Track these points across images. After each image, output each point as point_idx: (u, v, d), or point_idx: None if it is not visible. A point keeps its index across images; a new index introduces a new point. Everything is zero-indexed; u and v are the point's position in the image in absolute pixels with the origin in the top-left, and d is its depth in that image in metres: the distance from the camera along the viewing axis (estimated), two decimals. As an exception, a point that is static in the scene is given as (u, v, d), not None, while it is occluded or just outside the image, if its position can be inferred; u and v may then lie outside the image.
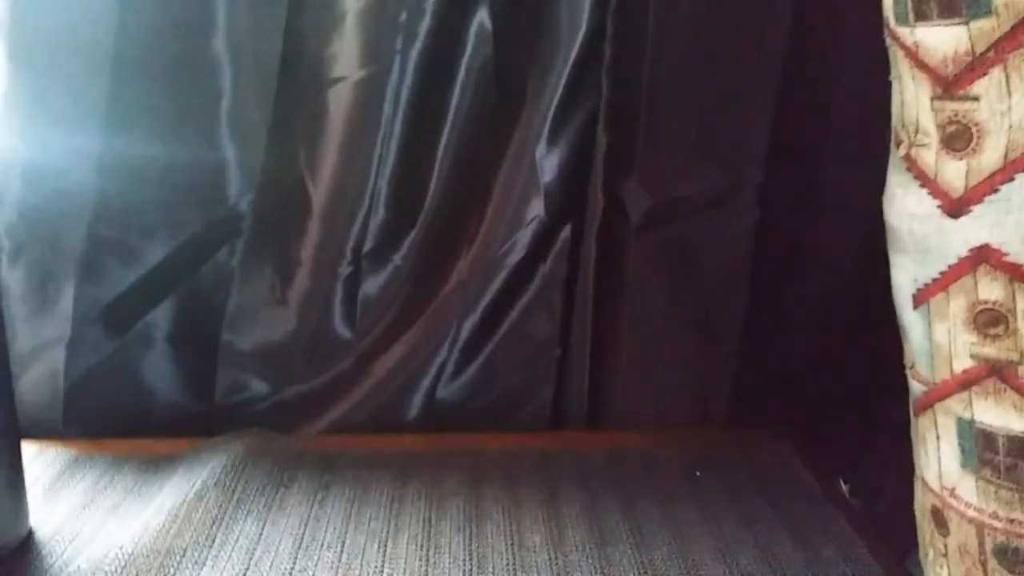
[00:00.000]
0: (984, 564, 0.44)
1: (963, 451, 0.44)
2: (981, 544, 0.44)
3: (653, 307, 0.72)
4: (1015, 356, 0.40)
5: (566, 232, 0.70)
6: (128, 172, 0.66)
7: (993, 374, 0.41)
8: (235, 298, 0.72)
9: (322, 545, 0.56)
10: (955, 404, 0.44)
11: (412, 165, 0.68)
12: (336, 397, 0.74)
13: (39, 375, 0.68)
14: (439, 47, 0.66)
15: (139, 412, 0.72)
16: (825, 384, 0.73)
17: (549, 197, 0.69)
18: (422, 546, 0.56)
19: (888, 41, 0.45)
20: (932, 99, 0.41)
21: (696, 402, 0.75)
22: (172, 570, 0.52)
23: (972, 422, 0.43)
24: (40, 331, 0.68)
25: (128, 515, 0.58)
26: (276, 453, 0.66)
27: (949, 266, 0.42)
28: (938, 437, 0.46)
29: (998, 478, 0.42)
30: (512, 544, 0.56)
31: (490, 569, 0.53)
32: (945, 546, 0.47)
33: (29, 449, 0.56)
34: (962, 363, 0.43)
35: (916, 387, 0.47)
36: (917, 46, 0.41)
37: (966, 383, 0.43)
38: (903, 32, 0.42)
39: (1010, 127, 0.38)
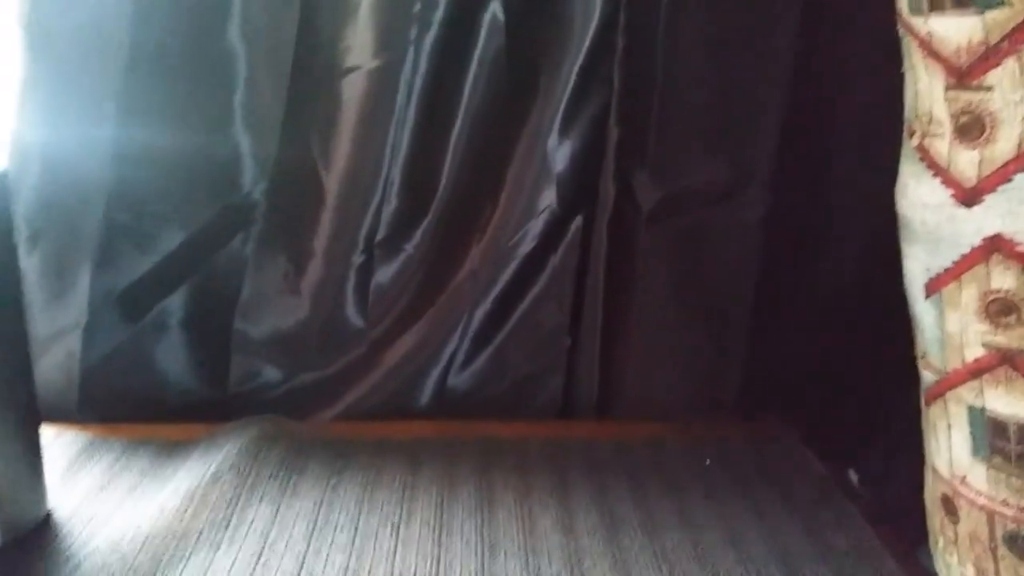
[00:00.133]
0: (994, 551, 0.45)
1: (974, 439, 0.44)
2: (991, 531, 0.45)
3: (663, 297, 0.73)
4: (1027, 345, 0.41)
5: (577, 222, 0.71)
6: (143, 160, 0.66)
7: (1005, 362, 0.42)
8: (248, 286, 0.73)
9: (336, 528, 0.56)
10: (966, 393, 0.44)
11: (425, 155, 0.69)
12: (348, 385, 0.75)
13: (55, 360, 0.69)
14: (452, 37, 0.66)
15: (153, 398, 0.73)
16: (834, 374, 0.73)
17: (561, 187, 0.69)
18: (434, 530, 0.56)
19: (901, 31, 0.45)
20: (946, 89, 0.41)
21: (705, 392, 0.75)
22: (188, 551, 0.53)
23: (983, 410, 0.43)
24: (57, 317, 0.69)
25: (144, 497, 0.59)
26: (290, 439, 0.67)
27: (962, 255, 0.42)
28: (949, 426, 0.46)
29: (1009, 465, 0.43)
30: (524, 529, 0.57)
31: (502, 553, 0.54)
32: (955, 534, 0.48)
33: (46, 433, 0.57)
34: (974, 352, 0.43)
35: (927, 376, 0.48)
36: (931, 36, 0.41)
37: (978, 372, 0.43)
38: (917, 22, 0.42)
39: (1024, 117, 0.38)
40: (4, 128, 0.65)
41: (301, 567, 0.52)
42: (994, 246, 0.40)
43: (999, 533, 0.44)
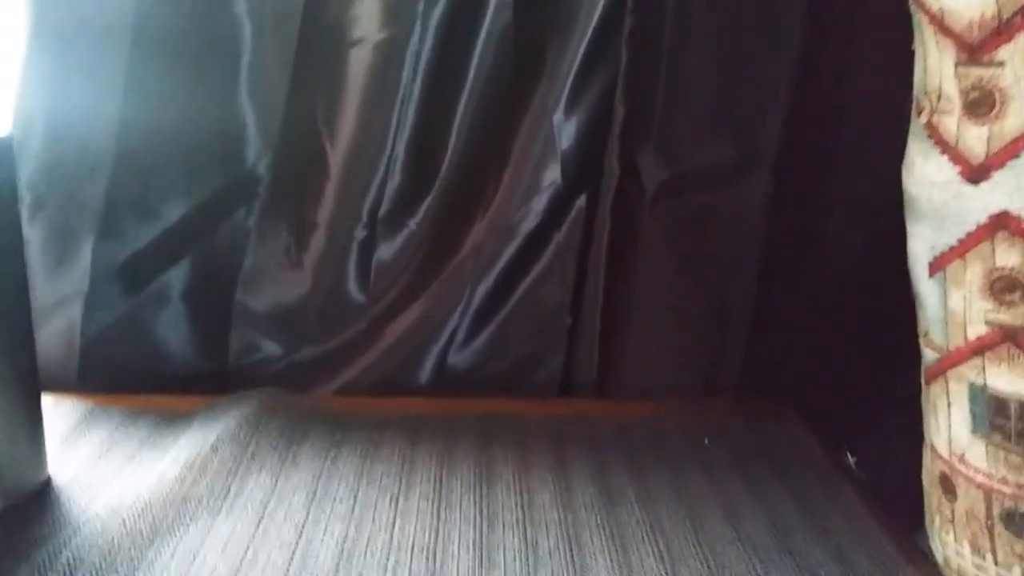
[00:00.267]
0: (991, 529, 0.45)
1: (974, 417, 0.45)
2: (988, 509, 0.45)
3: (665, 278, 0.73)
4: (1030, 322, 0.41)
5: (581, 201, 0.70)
6: (148, 131, 0.66)
7: (1007, 340, 0.42)
8: (250, 259, 0.72)
9: (335, 499, 0.56)
10: (968, 370, 0.44)
11: (430, 129, 0.68)
12: (348, 360, 0.75)
13: (56, 330, 0.69)
14: (460, 11, 0.66)
15: (153, 370, 0.73)
16: (834, 357, 0.73)
17: (566, 164, 0.69)
18: (433, 502, 0.56)
19: (912, 8, 0.45)
20: (956, 65, 0.41)
21: (705, 373, 0.75)
22: (188, 518, 0.53)
23: (984, 388, 0.43)
24: (58, 286, 0.68)
25: (144, 465, 0.59)
26: (289, 411, 0.67)
27: (967, 233, 0.42)
28: (949, 404, 0.46)
29: (1008, 443, 0.43)
30: (522, 503, 0.57)
31: (500, 525, 0.54)
32: (952, 512, 0.48)
33: (45, 401, 0.57)
34: (976, 329, 0.43)
35: (929, 355, 0.48)
36: (942, 12, 0.41)
37: (980, 349, 0.43)
38: (929, -2, 0.42)
39: (1034, 92, 0.38)
40: (8, 93, 0.65)
41: (300, 535, 0.52)
42: (1000, 223, 0.40)
43: (996, 511, 0.45)
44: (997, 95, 0.39)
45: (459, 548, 0.52)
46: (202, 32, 0.66)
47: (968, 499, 0.46)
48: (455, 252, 0.73)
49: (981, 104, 0.40)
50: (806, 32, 0.67)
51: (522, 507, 0.56)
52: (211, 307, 0.73)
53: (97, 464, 0.60)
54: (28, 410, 0.55)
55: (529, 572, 0.50)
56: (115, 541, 0.50)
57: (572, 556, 0.51)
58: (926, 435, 0.51)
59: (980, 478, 0.45)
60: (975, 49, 0.40)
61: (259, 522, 0.53)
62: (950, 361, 0.45)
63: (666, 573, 0.50)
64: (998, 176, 0.40)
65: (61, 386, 0.69)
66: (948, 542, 0.49)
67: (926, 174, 0.44)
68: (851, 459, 0.68)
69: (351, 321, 0.74)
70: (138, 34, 0.64)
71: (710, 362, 0.75)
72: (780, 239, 0.71)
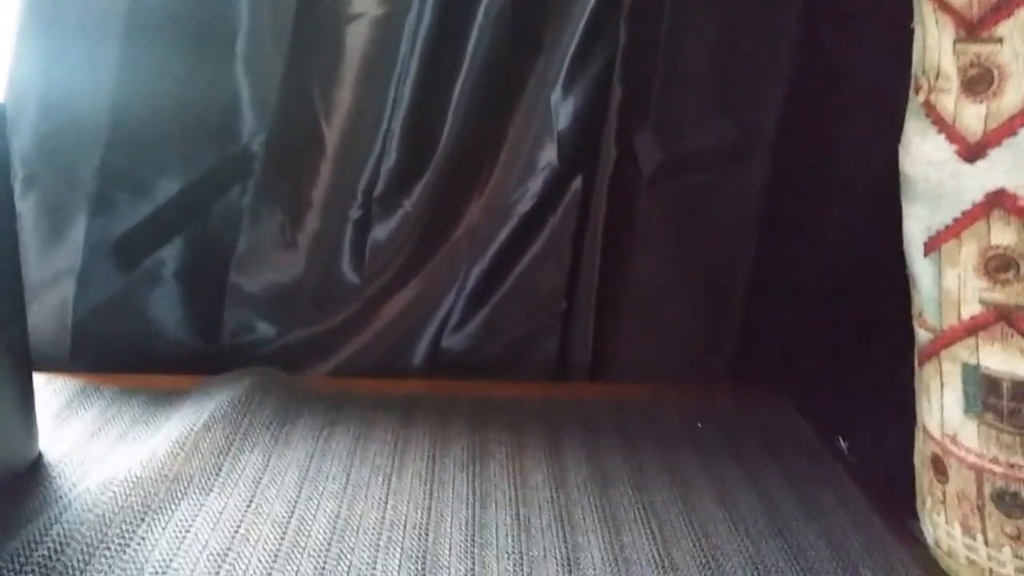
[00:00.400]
0: (981, 509, 0.45)
1: (967, 397, 0.45)
2: (980, 489, 0.45)
3: (660, 261, 0.73)
4: (1024, 301, 0.41)
5: (577, 182, 0.70)
6: (143, 106, 0.66)
7: (1001, 319, 0.42)
8: (245, 239, 0.72)
9: (327, 478, 0.56)
10: (961, 350, 0.44)
11: (426, 107, 0.68)
12: (342, 341, 0.75)
13: (49, 306, 0.69)
14: (458, -12, 0.66)
15: (146, 349, 0.73)
16: (828, 343, 0.73)
17: (562, 145, 0.69)
18: (426, 482, 0.56)
19: (912, -14, 0.44)
20: (955, 42, 0.41)
21: (699, 357, 0.75)
22: (180, 495, 0.53)
23: (977, 367, 0.43)
24: (51, 262, 0.68)
25: (136, 442, 0.59)
26: (282, 391, 0.67)
27: (963, 212, 0.42)
28: (942, 384, 0.46)
29: (1000, 422, 0.43)
30: (515, 483, 0.57)
31: (493, 504, 0.54)
32: (943, 493, 0.48)
33: (37, 379, 0.56)
34: (970, 309, 0.43)
35: (923, 335, 0.48)
36: (942, -11, 0.41)
37: (973, 329, 0.43)
38: (929, -26, 0.42)
39: (1032, 69, 0.38)
40: (2, 66, 0.64)
41: (292, 513, 0.52)
42: (996, 201, 0.40)
43: (987, 491, 0.45)
44: (995, 72, 0.39)
45: (451, 526, 0.52)
46: (198, 6, 0.66)
47: (959, 480, 0.46)
48: (450, 233, 0.73)
49: (979, 81, 0.40)
50: (805, 14, 0.66)
51: (515, 487, 0.56)
52: (205, 286, 0.73)
53: (89, 442, 0.59)
54: (19, 387, 0.55)
55: (521, 550, 0.50)
56: (106, 517, 0.50)
57: (564, 535, 0.51)
58: (918, 417, 0.51)
59: (972, 458, 0.45)
60: (974, 25, 0.39)
61: (251, 500, 0.53)
62: (944, 341, 0.45)
63: (658, 553, 0.50)
64: (995, 154, 0.40)
65: (53, 364, 0.68)
66: (939, 523, 0.49)
67: (923, 153, 0.44)
68: (843, 443, 0.68)
69: (345, 302, 0.74)
70: (134, 8, 0.64)
71: (705, 346, 0.75)
72: (776, 223, 0.71)
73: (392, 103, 0.68)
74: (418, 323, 0.75)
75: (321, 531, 0.51)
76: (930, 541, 0.51)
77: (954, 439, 0.46)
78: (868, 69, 0.67)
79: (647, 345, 0.74)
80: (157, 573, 0.46)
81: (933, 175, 0.44)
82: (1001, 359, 0.42)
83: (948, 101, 0.42)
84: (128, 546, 0.48)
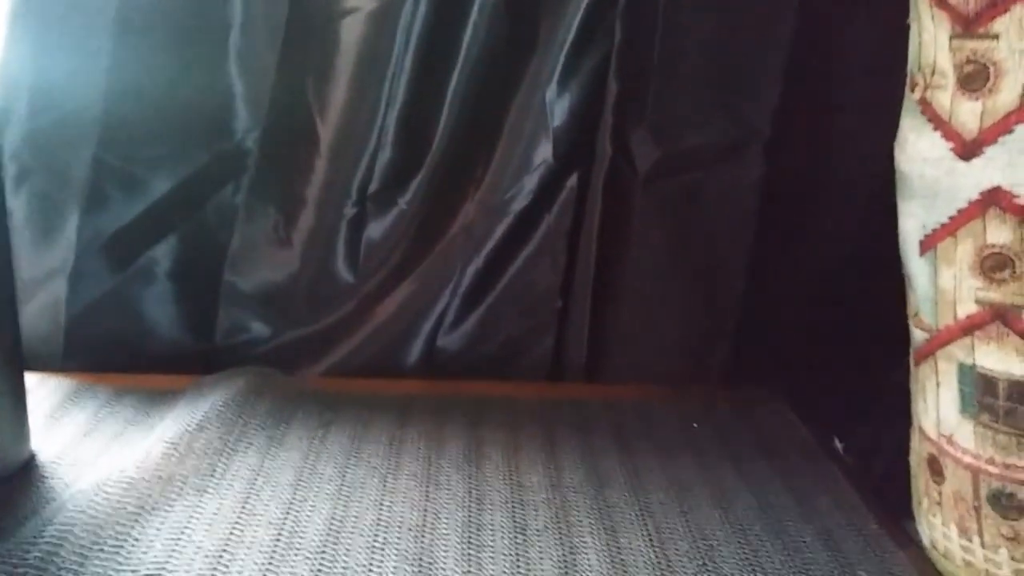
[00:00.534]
0: (977, 510, 0.45)
1: (963, 396, 0.44)
2: (976, 490, 0.45)
3: (656, 260, 0.72)
4: (1020, 300, 0.41)
5: (572, 180, 0.70)
6: (135, 102, 0.65)
7: (997, 319, 0.42)
8: (238, 237, 0.72)
9: (322, 478, 0.56)
10: (957, 350, 0.44)
11: (421, 104, 0.68)
12: (336, 341, 0.74)
13: (40, 306, 0.68)
14: (454, -19, 0.65)
15: (139, 348, 0.72)
16: (825, 344, 0.73)
17: (558, 142, 0.68)
18: (422, 483, 0.56)
19: (908, -18, 0.44)
20: (951, 38, 0.40)
21: (695, 357, 0.75)
22: (174, 496, 0.53)
23: (973, 367, 0.43)
24: (42, 260, 0.68)
25: (130, 443, 0.59)
26: (277, 391, 0.67)
27: (959, 210, 0.42)
28: (938, 384, 0.46)
29: (996, 423, 0.43)
30: (511, 484, 0.56)
31: (489, 505, 0.54)
32: (939, 494, 0.48)
33: (29, 379, 0.56)
34: (966, 308, 0.43)
35: (918, 335, 0.48)
36: (939, -15, 0.41)
37: (969, 328, 0.43)
38: (925, -29, 0.42)
39: (1029, 66, 0.38)
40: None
41: (287, 514, 0.52)
42: (992, 199, 0.40)
43: (983, 492, 0.45)
44: (991, 68, 0.39)
45: (448, 528, 0.51)
46: (191, 1, 0.65)
47: (956, 480, 0.46)
48: (446, 229, 0.73)
49: (975, 78, 0.39)
50: (800, 11, 0.66)
51: (511, 488, 0.56)
52: (198, 285, 0.73)
53: (82, 442, 0.59)
54: (11, 386, 0.54)
55: (518, 552, 0.49)
56: (100, 518, 0.49)
57: (561, 537, 0.51)
58: (914, 417, 0.50)
59: (968, 459, 0.45)
60: (970, 21, 0.39)
61: (245, 501, 0.53)
62: (939, 341, 0.45)
63: (655, 554, 0.50)
64: (990, 152, 0.40)
65: (46, 363, 0.68)
66: (935, 524, 0.49)
67: (919, 151, 0.44)
68: (839, 444, 0.68)
69: (340, 301, 0.74)
70: (125, 3, 0.63)
71: (700, 346, 0.75)
72: (772, 222, 0.71)
73: (386, 99, 0.68)
74: (413, 322, 0.74)
75: (316, 532, 0.50)
76: (926, 542, 0.51)
77: (950, 439, 0.46)
78: (864, 66, 0.67)
79: (642, 345, 0.74)
80: (151, 574, 0.45)
81: (929, 173, 0.43)
82: (997, 359, 0.42)
83: (944, 98, 0.42)
84: (122, 547, 0.48)
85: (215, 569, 0.46)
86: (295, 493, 0.54)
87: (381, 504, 0.54)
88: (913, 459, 0.52)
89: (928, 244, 0.45)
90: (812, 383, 0.73)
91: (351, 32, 0.67)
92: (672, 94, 0.68)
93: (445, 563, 0.48)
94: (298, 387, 0.68)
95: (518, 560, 0.49)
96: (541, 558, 0.49)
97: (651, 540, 0.51)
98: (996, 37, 0.38)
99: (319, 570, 0.47)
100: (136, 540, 0.48)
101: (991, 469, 0.44)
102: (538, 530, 0.52)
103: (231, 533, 0.50)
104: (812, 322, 0.74)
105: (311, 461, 0.58)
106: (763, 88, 0.68)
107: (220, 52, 0.67)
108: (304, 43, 0.67)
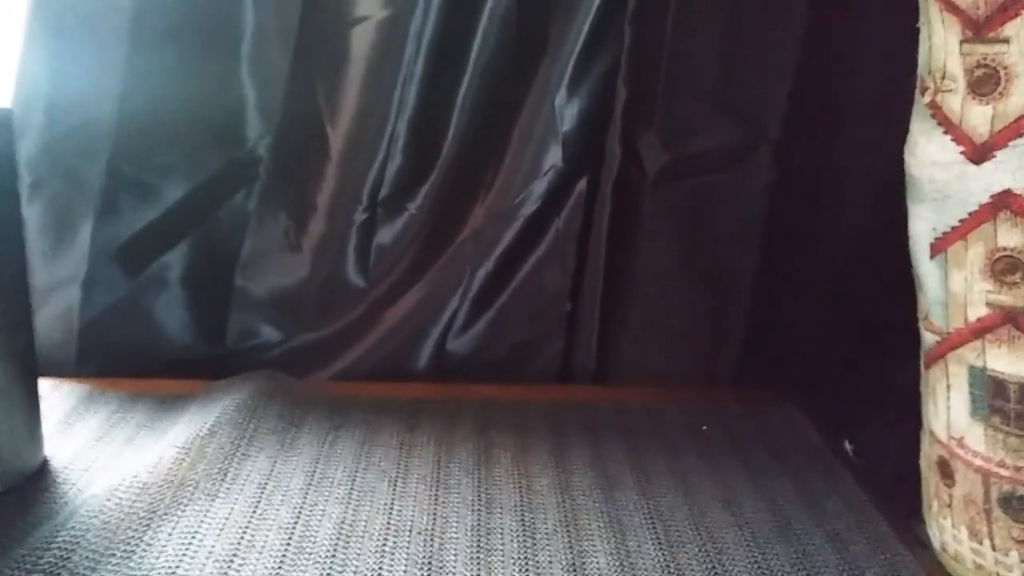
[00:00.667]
0: (988, 513, 0.45)
1: (973, 399, 0.44)
2: (986, 493, 0.45)
3: (665, 264, 0.72)
4: (1031, 303, 0.41)
5: (582, 184, 0.70)
6: (148, 110, 0.66)
7: (1008, 322, 0.42)
8: (250, 243, 0.72)
9: (333, 482, 0.56)
10: (968, 353, 0.44)
11: (431, 110, 0.68)
12: (346, 345, 0.75)
13: (54, 312, 0.69)
14: (464, -11, 0.66)
15: (152, 354, 0.73)
16: (834, 346, 0.73)
17: (567, 147, 0.68)
18: (432, 486, 0.56)
19: (918, -14, 0.44)
20: (961, 42, 0.40)
21: (704, 360, 0.75)
22: (186, 500, 0.53)
23: (984, 370, 0.43)
24: (57, 268, 0.68)
25: (142, 448, 0.59)
26: (287, 395, 0.67)
27: (969, 213, 0.42)
28: (948, 387, 0.46)
29: (1007, 425, 0.43)
30: (520, 487, 0.57)
31: (498, 509, 0.54)
32: (950, 496, 0.48)
33: (43, 384, 0.57)
34: (977, 311, 0.43)
35: (929, 338, 0.48)
36: (948, -11, 0.41)
37: (980, 331, 0.43)
38: (934, -25, 0.42)
39: (1039, 70, 0.38)
40: (8, 71, 0.64)
41: (297, 518, 0.52)
42: (1002, 203, 0.40)
43: (994, 495, 0.44)
44: (1002, 72, 0.39)
45: (457, 531, 0.52)
46: (203, 10, 0.66)
47: (966, 483, 0.46)
48: (455, 234, 0.73)
49: (986, 82, 0.39)
50: (809, 14, 0.66)
51: (520, 491, 0.56)
52: (210, 290, 0.73)
53: (95, 447, 0.59)
54: (26, 392, 0.55)
55: (527, 556, 0.50)
56: (112, 523, 0.50)
57: (570, 540, 0.51)
58: (924, 420, 0.50)
59: (978, 462, 0.45)
60: (981, 25, 0.39)
61: (256, 505, 0.53)
62: (950, 344, 0.45)
63: (664, 558, 0.50)
64: (1001, 155, 0.39)
65: (59, 369, 0.69)
66: (946, 527, 0.49)
67: (929, 154, 0.44)
68: (849, 447, 0.67)
69: (350, 306, 0.74)
70: (139, 13, 0.64)
71: (709, 349, 0.75)
72: (781, 225, 0.71)
73: (397, 106, 0.68)
74: (423, 326, 0.75)
75: (326, 536, 0.51)
76: (936, 545, 0.51)
77: (960, 442, 0.46)
78: (873, 70, 0.67)
79: (652, 348, 0.74)
80: (163, 579, 0.46)
81: (939, 176, 0.43)
82: (1008, 362, 0.42)
83: (954, 102, 0.42)
84: (134, 552, 0.48)
85: (226, 573, 0.47)
86: (305, 497, 0.55)
87: (391, 508, 0.54)
88: (923, 462, 0.52)
89: (938, 247, 0.45)
90: (821, 385, 0.72)
91: (362, 40, 0.67)
92: (681, 99, 0.68)
93: (455, 567, 0.48)
94: (308, 391, 0.69)
95: (527, 564, 0.49)
96: (550, 562, 0.49)
97: (660, 543, 0.51)
98: (1006, 41, 0.38)
99: (329, 574, 0.47)
100: (148, 544, 0.49)
101: (1002, 472, 0.44)
102: (547, 533, 0.52)
103: (242, 537, 0.50)
104: (821, 324, 0.74)
105: (321, 465, 0.58)
106: (772, 92, 0.68)
107: (232, 61, 0.67)
108: (315, 51, 0.67)
